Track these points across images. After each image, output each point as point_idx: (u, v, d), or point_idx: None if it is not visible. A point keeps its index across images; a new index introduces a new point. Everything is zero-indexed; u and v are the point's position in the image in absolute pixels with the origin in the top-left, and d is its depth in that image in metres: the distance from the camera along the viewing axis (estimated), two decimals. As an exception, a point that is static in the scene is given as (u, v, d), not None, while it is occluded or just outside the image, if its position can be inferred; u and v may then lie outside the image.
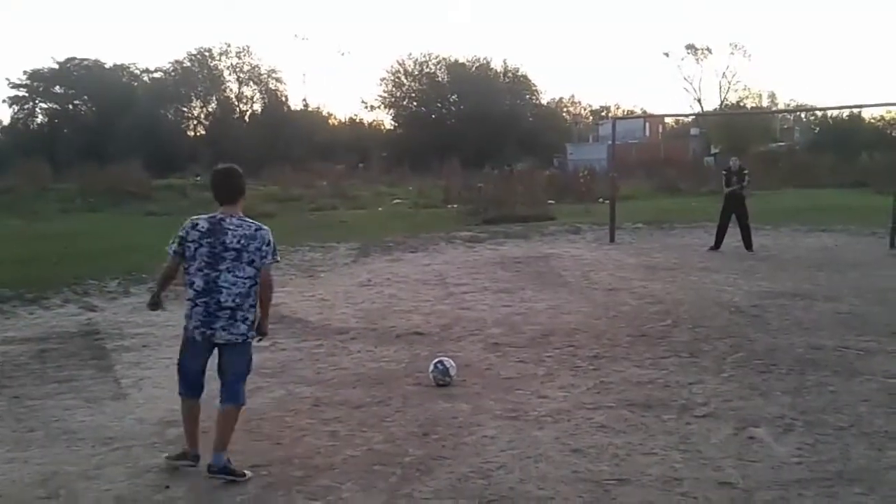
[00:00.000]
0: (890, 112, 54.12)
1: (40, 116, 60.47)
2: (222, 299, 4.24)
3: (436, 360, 6.10)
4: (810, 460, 4.41)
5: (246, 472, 4.32)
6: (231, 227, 4.28)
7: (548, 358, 6.77)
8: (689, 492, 4.03)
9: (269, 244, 4.35)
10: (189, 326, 4.32)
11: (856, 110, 52.43)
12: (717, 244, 13.97)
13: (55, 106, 59.62)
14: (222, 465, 4.27)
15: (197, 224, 4.33)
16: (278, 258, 4.50)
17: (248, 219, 4.40)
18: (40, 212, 23.47)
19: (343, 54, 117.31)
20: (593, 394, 5.74)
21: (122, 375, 6.48)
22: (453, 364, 6.07)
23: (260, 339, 4.53)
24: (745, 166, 14.37)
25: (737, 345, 7.07)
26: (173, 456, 4.49)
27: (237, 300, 4.27)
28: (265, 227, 4.40)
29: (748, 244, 13.73)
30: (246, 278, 4.29)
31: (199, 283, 4.27)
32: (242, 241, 4.27)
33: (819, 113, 57.38)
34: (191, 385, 4.41)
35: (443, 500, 4.00)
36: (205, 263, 4.26)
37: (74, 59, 58.31)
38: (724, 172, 14.36)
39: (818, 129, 58.82)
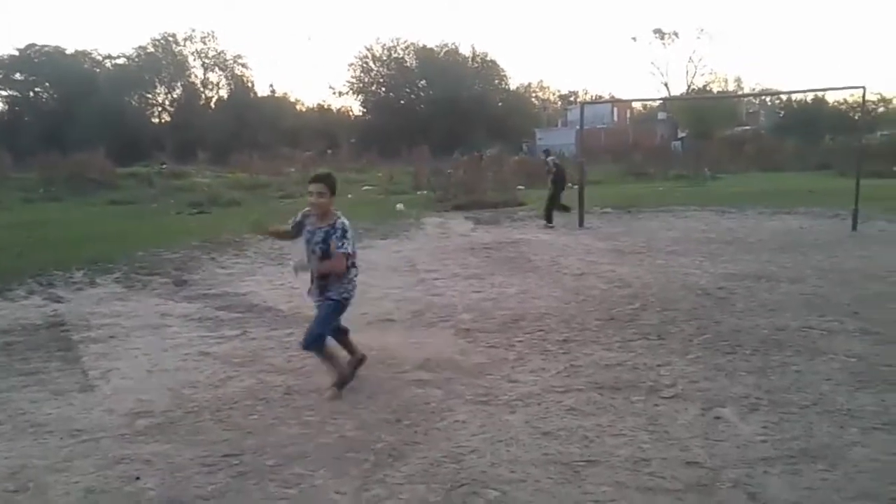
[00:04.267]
0: (853, 95, 55.15)
1: (0, 104, 59.32)
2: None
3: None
4: (775, 438, 4.50)
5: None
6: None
7: (518, 343, 6.82)
8: (656, 471, 4.10)
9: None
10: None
11: (820, 94, 53.38)
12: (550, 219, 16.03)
13: (15, 93, 58.48)
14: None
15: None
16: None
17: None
18: (1, 201, 23.05)
19: (309, 39, 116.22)
20: (563, 377, 5.80)
21: (89, 367, 6.40)
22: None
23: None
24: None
25: (703, 327, 7.17)
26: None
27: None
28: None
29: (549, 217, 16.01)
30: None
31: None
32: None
33: (784, 97, 58.34)
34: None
35: (415, 485, 4.03)
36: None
37: (35, 45, 57.23)
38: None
39: (783, 112, 59.74)
